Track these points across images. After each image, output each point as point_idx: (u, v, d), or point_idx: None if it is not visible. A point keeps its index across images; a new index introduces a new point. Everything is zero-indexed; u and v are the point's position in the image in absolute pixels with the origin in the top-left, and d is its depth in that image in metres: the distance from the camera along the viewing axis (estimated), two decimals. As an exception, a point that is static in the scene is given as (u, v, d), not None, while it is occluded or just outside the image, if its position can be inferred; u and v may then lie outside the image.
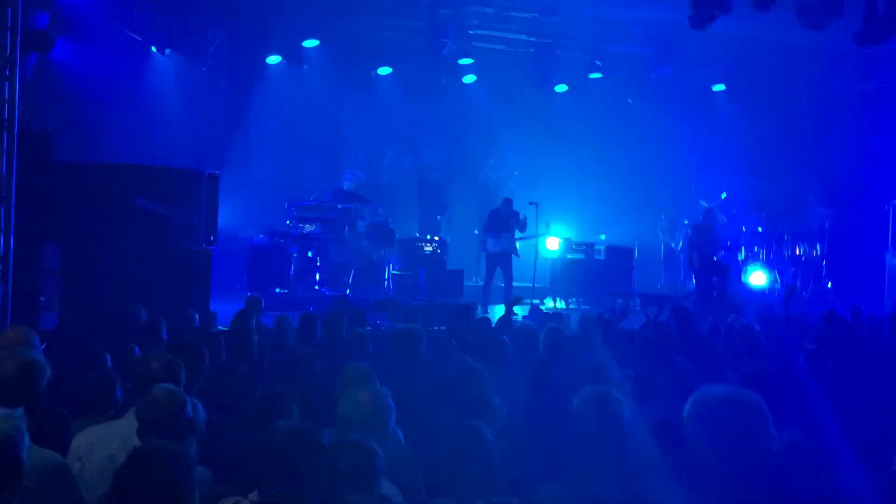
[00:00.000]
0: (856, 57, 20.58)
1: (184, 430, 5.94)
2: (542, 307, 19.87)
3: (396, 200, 23.57)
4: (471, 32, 22.97)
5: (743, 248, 23.57)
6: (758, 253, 23.83)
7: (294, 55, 23.70)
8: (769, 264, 23.60)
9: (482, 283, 21.54)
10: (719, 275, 21.20)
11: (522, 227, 21.21)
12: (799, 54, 22.69)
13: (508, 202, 21.39)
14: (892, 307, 19.11)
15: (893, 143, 24.81)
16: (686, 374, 8.34)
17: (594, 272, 23.61)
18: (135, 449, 4.35)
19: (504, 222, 21.03)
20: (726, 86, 26.56)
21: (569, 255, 23.78)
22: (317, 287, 20.19)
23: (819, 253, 24.45)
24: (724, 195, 25.60)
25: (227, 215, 18.71)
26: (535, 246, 21.12)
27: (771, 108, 25.43)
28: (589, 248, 23.95)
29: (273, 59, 23.83)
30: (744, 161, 25.94)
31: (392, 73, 25.00)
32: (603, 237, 25.47)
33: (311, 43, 23.38)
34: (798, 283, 22.52)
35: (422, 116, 26.01)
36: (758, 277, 22.98)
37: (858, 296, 22.37)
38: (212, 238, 14.54)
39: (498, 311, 18.79)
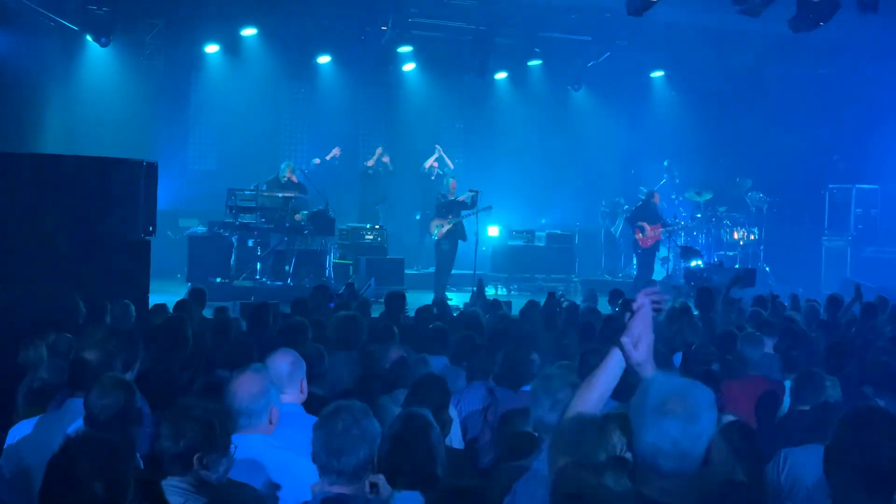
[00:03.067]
0: (792, 43, 20.77)
1: (132, 420, 5.88)
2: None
3: (336, 189, 23.47)
4: (410, 21, 22.89)
5: (682, 233, 23.71)
6: (696, 238, 23.98)
7: (232, 44, 23.59)
8: (707, 250, 23.74)
9: (431, 270, 21.62)
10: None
11: (469, 207, 21.24)
12: (736, 40, 22.86)
13: (455, 184, 21.57)
14: (828, 290, 19.31)
15: (830, 129, 25.06)
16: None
17: (535, 259, 23.72)
18: (69, 438, 4.28)
19: (449, 208, 21.10)
20: (665, 72, 26.73)
21: (509, 242, 23.87)
22: (258, 276, 20.09)
23: (757, 237, 24.71)
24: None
25: (167, 205, 18.63)
26: (476, 233, 21.13)
27: (709, 93, 25.64)
28: (529, 234, 24.06)
29: (211, 49, 23.68)
30: (682, 147, 26.14)
31: (332, 61, 24.89)
32: (544, 222, 25.62)
33: (249, 31, 23.24)
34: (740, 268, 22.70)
35: (362, 105, 25.97)
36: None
37: (796, 279, 22.68)
38: (150, 228, 14.39)
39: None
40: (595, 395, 4.22)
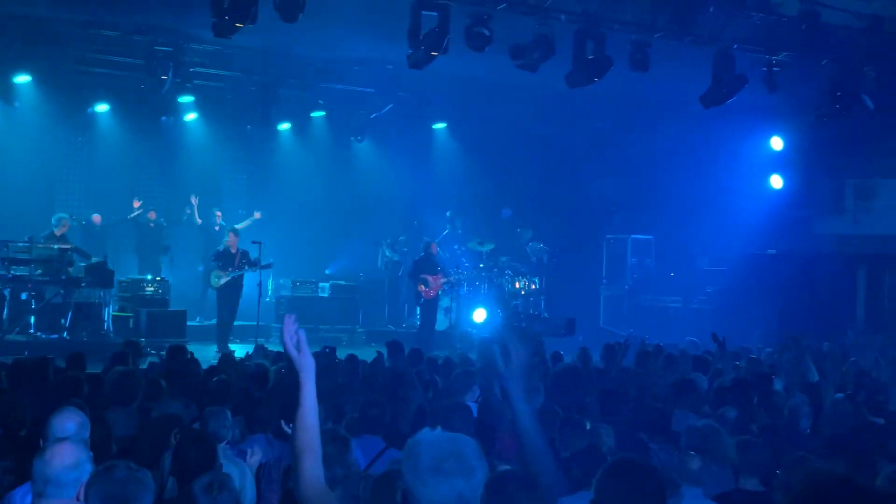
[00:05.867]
0: (570, 97, 21.35)
1: None
2: (268, 346, 19.66)
3: (115, 241, 22.92)
4: (191, 70, 22.59)
5: (465, 283, 24.00)
6: (479, 288, 24.29)
7: (5, 91, 22.82)
8: (489, 300, 24.07)
9: (214, 322, 21.36)
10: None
11: (251, 264, 21.13)
12: (516, 93, 23.32)
13: (234, 237, 21.38)
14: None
15: (606, 180, 25.80)
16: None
17: (319, 309, 23.65)
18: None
19: (231, 258, 20.95)
20: (447, 124, 27.10)
21: (294, 293, 23.74)
22: (32, 330, 19.39)
23: (538, 286, 25.20)
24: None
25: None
26: (259, 284, 20.96)
27: (491, 145, 26.09)
28: (313, 285, 24.01)
29: (-17, 97, 22.90)
30: (465, 197, 26.51)
31: (110, 109, 24.30)
32: (328, 272, 25.60)
33: (22, 78, 22.54)
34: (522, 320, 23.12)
35: (142, 154, 25.39)
36: (479, 314, 23.40)
37: (576, 328, 23.20)
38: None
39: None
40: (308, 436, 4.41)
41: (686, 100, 20.25)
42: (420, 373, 12.40)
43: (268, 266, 21.40)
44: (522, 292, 24.83)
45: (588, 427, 8.65)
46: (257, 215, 24.22)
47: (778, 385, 11.19)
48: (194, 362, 13.06)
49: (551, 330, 21.39)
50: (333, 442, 6.34)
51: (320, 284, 24.27)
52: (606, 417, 9.36)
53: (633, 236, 26.80)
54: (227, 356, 14.89)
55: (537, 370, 11.92)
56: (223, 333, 20.77)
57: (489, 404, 9.82)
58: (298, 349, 4.69)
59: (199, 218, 24.33)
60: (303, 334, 4.73)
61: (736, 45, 19.01)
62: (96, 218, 23.69)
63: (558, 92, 19.29)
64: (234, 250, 21.24)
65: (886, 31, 19.75)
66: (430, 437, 3.94)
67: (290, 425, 4.77)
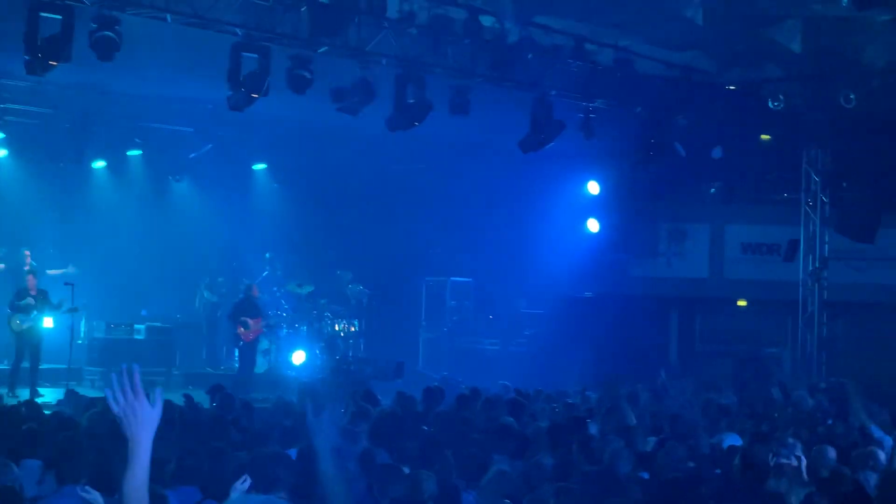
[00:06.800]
0: (392, 139, 21.42)
1: None
2: (78, 390, 19.09)
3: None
4: (2, 106, 21.87)
5: (284, 325, 23.79)
6: (299, 330, 24.08)
7: None
8: (309, 342, 23.88)
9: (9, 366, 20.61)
10: None
11: (56, 307, 20.50)
12: (336, 135, 23.22)
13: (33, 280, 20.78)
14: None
15: (426, 223, 25.90)
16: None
17: (134, 351, 23.03)
18: None
19: (31, 304, 20.32)
20: (267, 165, 26.85)
21: (107, 335, 23.11)
22: None
23: (357, 329, 25.13)
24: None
25: None
26: (71, 327, 20.36)
27: (311, 187, 25.96)
28: (128, 327, 23.40)
29: None
30: (285, 239, 26.29)
31: None
32: (144, 314, 25.00)
33: None
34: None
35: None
36: (298, 356, 23.21)
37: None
38: None
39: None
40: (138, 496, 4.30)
41: (506, 144, 20.52)
42: (237, 419, 12.19)
43: (73, 310, 20.75)
44: (342, 334, 24.70)
45: (407, 472, 8.60)
46: (71, 269, 23.41)
47: (593, 429, 11.33)
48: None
49: (380, 373, 21.36)
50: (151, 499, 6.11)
51: (136, 326, 23.67)
52: (426, 463, 9.32)
53: (452, 279, 26.99)
54: (30, 402, 14.37)
55: (359, 417, 11.86)
56: (33, 378, 20.07)
57: (310, 451, 9.72)
58: (136, 399, 4.39)
59: (2, 262, 23.50)
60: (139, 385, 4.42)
61: (554, 92, 19.41)
62: None
63: (380, 134, 19.32)
64: (33, 292, 20.56)
65: (696, 82, 20.46)
66: (240, 499, 3.85)
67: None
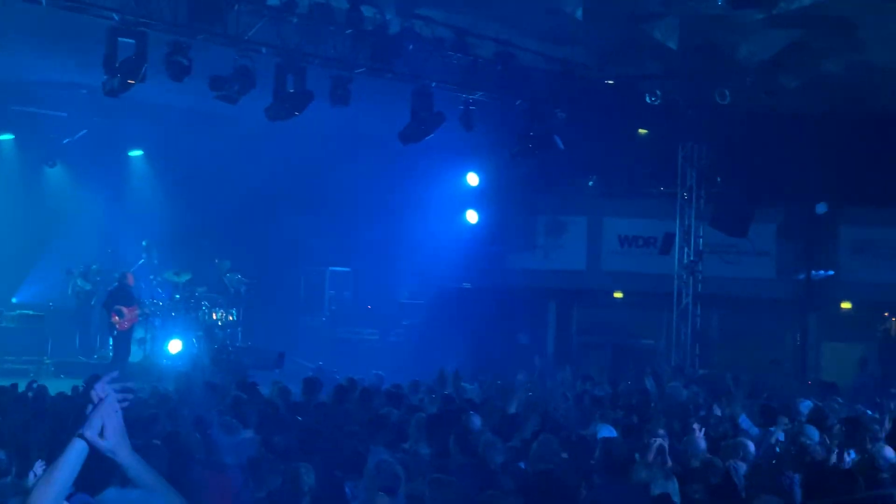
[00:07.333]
0: (272, 129, 21.23)
1: None
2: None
3: None
4: None
5: (160, 314, 23.49)
6: (175, 319, 23.80)
7: None
8: (186, 331, 23.62)
9: None
10: None
11: None
12: (215, 123, 22.96)
13: None
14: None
15: (306, 213, 25.77)
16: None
17: (3, 339, 22.60)
18: None
19: None
20: (144, 151, 26.45)
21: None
22: None
23: (235, 318, 24.93)
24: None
25: None
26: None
27: (189, 174, 25.54)
28: (-4, 315, 22.92)
29: None
30: (162, 227, 25.88)
31: None
32: (15, 301, 24.46)
33: None
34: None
35: None
36: (175, 345, 22.96)
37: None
38: None
39: None
40: (54, 488, 4.01)
41: (386, 135, 20.48)
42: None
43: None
44: (220, 323, 24.49)
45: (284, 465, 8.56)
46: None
47: (476, 420, 11.40)
48: None
49: (260, 363, 21.22)
50: (19, 496, 6.00)
51: (5, 314, 23.15)
52: (305, 455, 9.28)
53: (331, 268, 26.92)
54: None
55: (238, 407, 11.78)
56: None
57: (176, 439, 9.63)
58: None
59: None
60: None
61: (434, 84, 19.43)
62: None
63: (260, 123, 19.13)
64: None
65: (576, 76, 20.67)
66: (114, 496, 3.76)
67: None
